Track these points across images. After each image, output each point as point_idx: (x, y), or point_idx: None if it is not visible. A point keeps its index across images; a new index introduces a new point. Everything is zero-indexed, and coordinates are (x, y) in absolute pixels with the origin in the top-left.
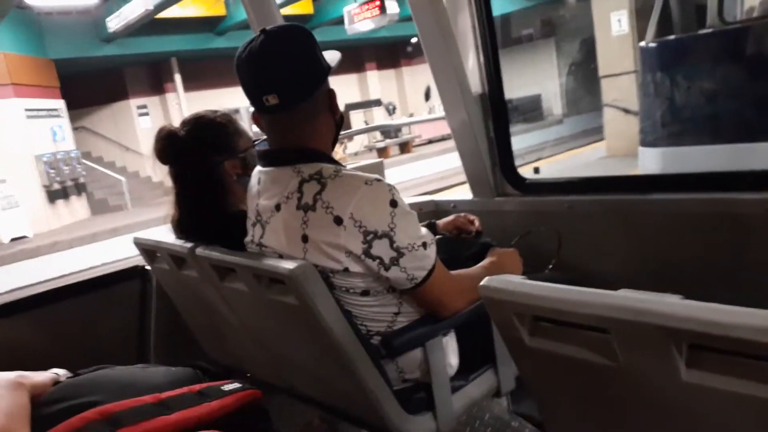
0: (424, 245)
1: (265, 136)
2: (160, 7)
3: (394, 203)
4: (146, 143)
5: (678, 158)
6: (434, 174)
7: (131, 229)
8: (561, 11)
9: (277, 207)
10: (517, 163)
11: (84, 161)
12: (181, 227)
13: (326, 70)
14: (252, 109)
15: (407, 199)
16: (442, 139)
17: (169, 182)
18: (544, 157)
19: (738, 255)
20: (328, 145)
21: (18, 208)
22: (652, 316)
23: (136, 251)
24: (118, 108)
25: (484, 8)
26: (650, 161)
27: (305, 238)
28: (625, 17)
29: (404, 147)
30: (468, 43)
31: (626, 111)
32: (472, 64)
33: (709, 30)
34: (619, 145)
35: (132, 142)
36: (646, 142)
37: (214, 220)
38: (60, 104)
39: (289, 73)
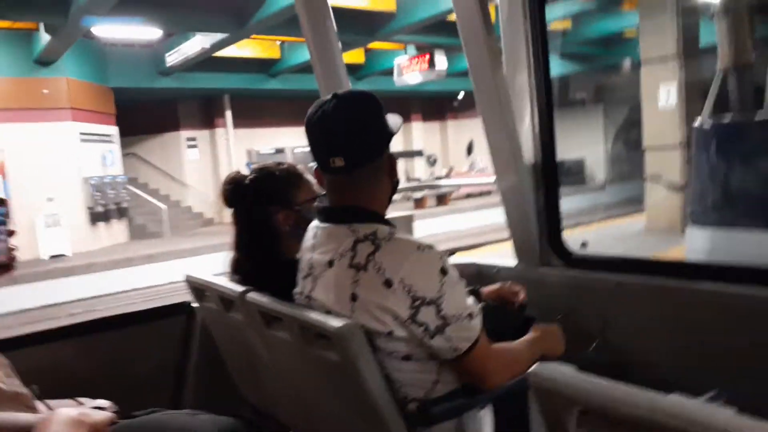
0: (470, 316)
1: (324, 193)
2: (216, 47)
3: (444, 271)
4: (191, 174)
5: (726, 241)
6: (469, 229)
7: (166, 256)
8: (612, 78)
9: (330, 263)
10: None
11: (129, 187)
12: (236, 268)
13: (390, 136)
14: (314, 165)
15: (451, 260)
16: (480, 194)
17: (209, 214)
18: (584, 223)
19: None
20: (384, 206)
21: (60, 227)
22: (704, 429)
23: (165, 278)
24: (168, 138)
25: (543, 75)
26: (698, 241)
27: (354, 297)
28: (674, 90)
29: (442, 199)
30: (524, 106)
31: (670, 186)
32: (526, 130)
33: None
34: (660, 220)
35: (177, 172)
36: (695, 221)
37: (266, 266)
38: (114, 130)
39: (357, 138)
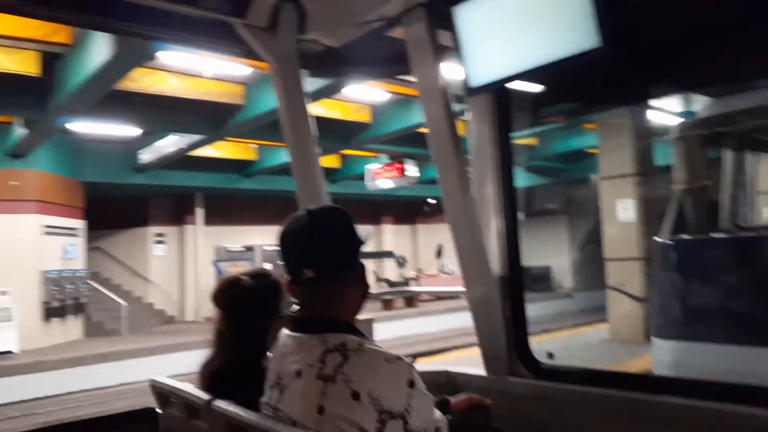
0: (437, 430)
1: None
2: (192, 147)
3: (412, 384)
4: (156, 270)
5: (690, 354)
6: (439, 332)
7: (119, 356)
8: (575, 191)
9: (298, 373)
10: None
11: (90, 282)
12: (212, 372)
13: (360, 248)
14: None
15: (423, 366)
16: (450, 297)
17: (171, 312)
18: (552, 331)
19: None
20: (354, 315)
21: (11, 322)
22: None
23: (114, 381)
24: (136, 234)
25: (508, 189)
26: (663, 353)
27: (321, 410)
28: (631, 206)
29: (410, 301)
30: (490, 218)
31: (631, 296)
32: (493, 240)
33: (724, 234)
34: (623, 330)
35: (142, 268)
36: (658, 334)
37: (248, 372)
38: (80, 224)
39: (329, 251)
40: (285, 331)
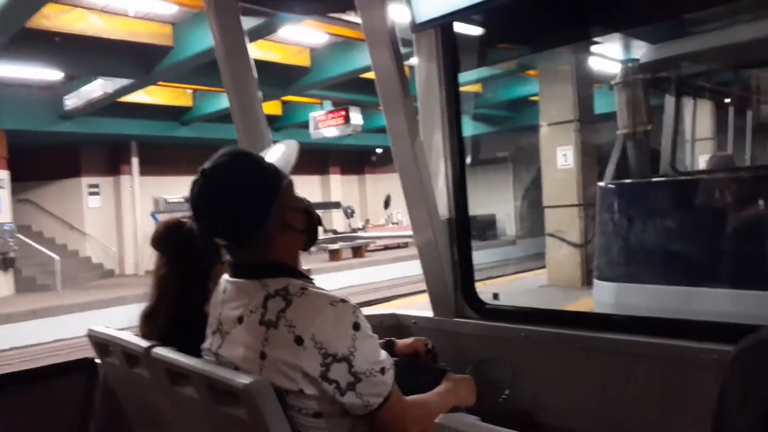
0: (383, 371)
1: None
2: (121, 92)
3: (356, 326)
4: (91, 223)
5: (631, 294)
6: (386, 281)
7: (52, 312)
8: (519, 139)
9: (240, 319)
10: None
11: (19, 235)
12: (150, 320)
13: (273, 195)
14: None
15: (372, 310)
16: (398, 246)
17: (110, 265)
18: (494, 277)
19: (681, 402)
20: (295, 257)
21: None
22: None
23: (47, 338)
24: (68, 185)
25: (456, 136)
26: (604, 294)
27: (263, 355)
28: (570, 152)
29: (357, 251)
30: (439, 165)
31: (568, 243)
32: (441, 187)
33: (663, 178)
34: (560, 276)
35: (77, 221)
36: (601, 276)
37: (190, 319)
38: (4, 174)
39: (230, 218)
40: (225, 277)
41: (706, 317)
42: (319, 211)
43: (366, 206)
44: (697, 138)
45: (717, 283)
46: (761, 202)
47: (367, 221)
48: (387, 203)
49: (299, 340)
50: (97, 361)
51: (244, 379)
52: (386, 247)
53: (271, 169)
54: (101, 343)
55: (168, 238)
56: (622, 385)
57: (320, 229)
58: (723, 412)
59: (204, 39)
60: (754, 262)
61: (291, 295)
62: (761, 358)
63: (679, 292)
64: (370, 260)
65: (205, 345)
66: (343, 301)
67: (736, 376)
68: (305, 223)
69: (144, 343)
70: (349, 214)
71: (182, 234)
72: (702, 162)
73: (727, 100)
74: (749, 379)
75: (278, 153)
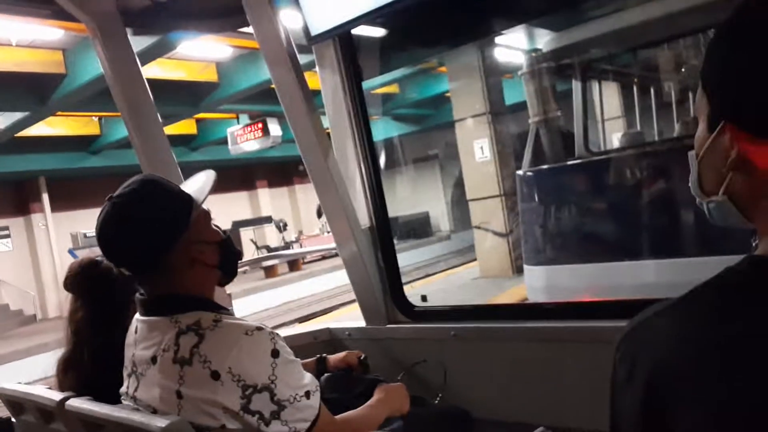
0: (308, 395)
1: None
2: (19, 126)
3: (275, 353)
4: (5, 267)
5: (560, 275)
6: (323, 292)
7: None
8: (442, 136)
9: (153, 359)
10: (408, 279)
11: None
12: (70, 366)
13: (181, 223)
14: None
15: (305, 327)
16: (335, 255)
17: (31, 311)
18: (432, 274)
19: (603, 381)
20: (208, 290)
21: None
22: None
23: None
24: None
25: (367, 141)
26: (535, 279)
27: (180, 395)
28: (486, 145)
29: (294, 264)
30: (354, 173)
31: (495, 233)
32: (359, 195)
33: (578, 160)
34: (491, 266)
35: None
36: (529, 261)
37: (117, 360)
38: None
39: (128, 249)
40: (136, 316)
41: (632, 289)
42: (249, 228)
43: (299, 217)
44: (607, 118)
45: (638, 255)
46: (670, 174)
47: (300, 233)
48: (320, 212)
49: (216, 375)
50: (13, 420)
51: (160, 423)
52: (324, 257)
53: (182, 199)
54: (14, 401)
55: (82, 279)
56: (550, 371)
57: (253, 246)
58: (615, 387)
59: (98, 63)
60: (668, 231)
61: (203, 329)
62: (646, 332)
63: (605, 269)
64: (307, 272)
65: (123, 389)
66: (259, 329)
67: (626, 351)
68: (218, 258)
69: (57, 396)
70: (281, 227)
71: (98, 273)
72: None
73: (632, 81)
74: (635, 352)
75: (198, 182)
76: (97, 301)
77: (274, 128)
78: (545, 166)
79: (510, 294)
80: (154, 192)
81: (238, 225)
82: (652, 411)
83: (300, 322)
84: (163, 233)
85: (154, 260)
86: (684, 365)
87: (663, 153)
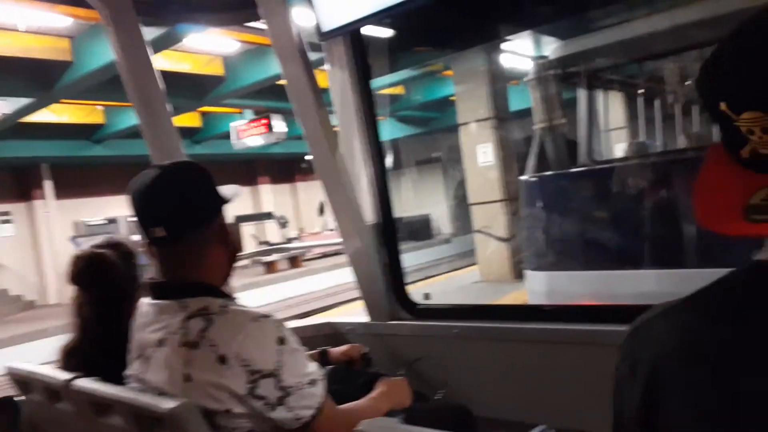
0: (312, 383)
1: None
2: (23, 112)
3: (281, 340)
4: (6, 252)
5: (561, 281)
6: (323, 290)
7: None
8: (445, 139)
9: (161, 342)
10: (407, 280)
11: None
12: (73, 353)
13: (220, 204)
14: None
15: (305, 321)
16: (336, 253)
17: (31, 296)
18: (432, 276)
19: (602, 384)
20: (219, 278)
21: None
22: None
23: None
24: None
25: (374, 141)
26: (536, 284)
27: (187, 378)
28: (489, 149)
29: (294, 261)
30: (360, 171)
31: (496, 238)
32: (365, 193)
33: (582, 168)
34: (491, 271)
35: None
36: (531, 267)
37: (121, 345)
38: None
39: (178, 207)
40: (145, 300)
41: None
42: (251, 223)
43: (300, 214)
44: (611, 128)
45: (638, 265)
46: (673, 185)
47: (301, 229)
48: (321, 210)
49: (222, 359)
50: (18, 399)
51: (168, 404)
52: (324, 255)
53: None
54: (21, 380)
55: (89, 273)
56: (550, 372)
57: (254, 241)
58: (618, 385)
59: (106, 52)
60: (670, 242)
61: (211, 314)
62: (649, 331)
63: (605, 276)
64: (307, 269)
65: (128, 371)
66: (265, 316)
67: (628, 349)
68: (233, 249)
69: (65, 376)
70: (283, 224)
71: (105, 266)
72: (619, 151)
73: (638, 91)
74: (634, 355)
75: (227, 188)
76: (104, 294)
77: (279, 125)
78: (549, 173)
79: (512, 298)
80: (200, 169)
81: (239, 220)
82: (650, 408)
83: (299, 319)
84: (209, 203)
85: (196, 222)
86: (678, 366)
87: (667, 164)
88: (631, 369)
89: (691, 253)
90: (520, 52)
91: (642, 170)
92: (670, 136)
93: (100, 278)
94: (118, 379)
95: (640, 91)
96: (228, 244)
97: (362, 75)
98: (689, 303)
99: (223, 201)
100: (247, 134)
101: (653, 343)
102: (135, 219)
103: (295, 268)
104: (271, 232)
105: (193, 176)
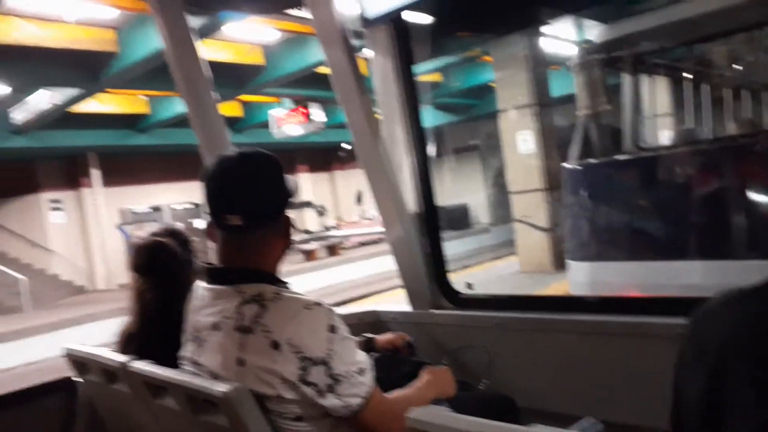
0: (361, 371)
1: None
2: (71, 101)
3: (332, 328)
4: (56, 239)
5: (604, 272)
6: (361, 279)
7: (18, 335)
8: (484, 126)
9: (216, 326)
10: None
11: None
12: (131, 337)
13: (288, 197)
14: (200, 221)
15: (349, 308)
16: (373, 242)
17: (80, 282)
18: (472, 265)
19: (654, 376)
20: (275, 266)
21: None
22: None
23: (13, 362)
24: (27, 202)
25: (417, 128)
26: (578, 274)
27: (241, 362)
28: (530, 137)
29: (332, 249)
30: (402, 158)
31: (536, 227)
32: (407, 181)
33: (627, 156)
34: (531, 261)
35: (40, 238)
36: (573, 257)
37: (178, 330)
38: None
39: (257, 198)
40: (201, 284)
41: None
42: (290, 212)
43: (338, 203)
44: (657, 114)
45: (686, 256)
46: (722, 173)
47: (339, 218)
48: (359, 199)
49: (275, 345)
50: (76, 379)
51: (222, 388)
52: (362, 244)
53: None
54: (79, 361)
55: (152, 261)
56: (596, 364)
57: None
58: (680, 374)
59: (149, 42)
60: (719, 232)
61: (266, 300)
62: (713, 321)
63: (650, 267)
64: (345, 258)
65: (182, 353)
66: (318, 304)
67: (690, 341)
68: (289, 240)
69: (121, 358)
70: (321, 213)
71: (164, 253)
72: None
73: (685, 76)
74: (700, 342)
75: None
76: (164, 280)
77: (318, 114)
78: (593, 160)
79: (552, 289)
80: (276, 161)
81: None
82: (715, 395)
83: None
84: (284, 196)
85: (269, 215)
86: (747, 354)
87: (715, 151)
88: (696, 357)
89: (739, 243)
90: (562, 36)
91: (689, 158)
92: (719, 123)
93: (162, 266)
94: (174, 363)
95: (688, 75)
96: (288, 236)
97: (405, 62)
98: (756, 292)
99: (292, 194)
100: (287, 123)
101: (720, 332)
102: (209, 202)
103: (334, 256)
104: (310, 220)
105: (272, 168)
